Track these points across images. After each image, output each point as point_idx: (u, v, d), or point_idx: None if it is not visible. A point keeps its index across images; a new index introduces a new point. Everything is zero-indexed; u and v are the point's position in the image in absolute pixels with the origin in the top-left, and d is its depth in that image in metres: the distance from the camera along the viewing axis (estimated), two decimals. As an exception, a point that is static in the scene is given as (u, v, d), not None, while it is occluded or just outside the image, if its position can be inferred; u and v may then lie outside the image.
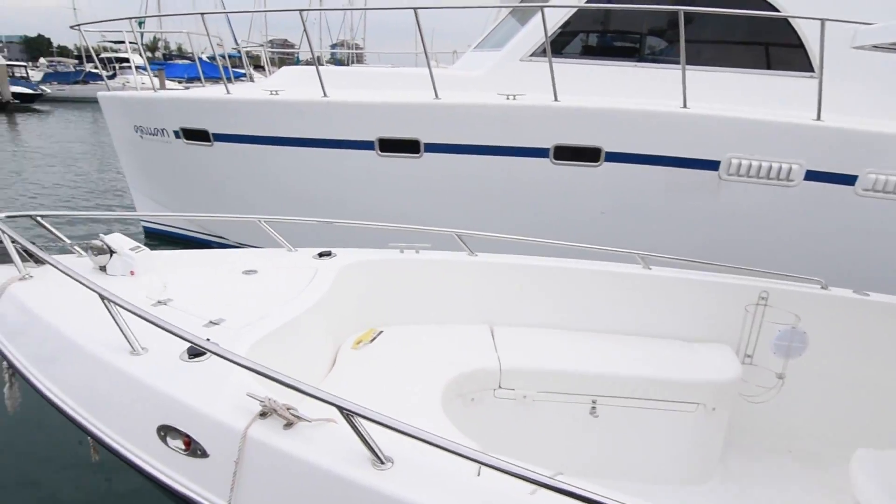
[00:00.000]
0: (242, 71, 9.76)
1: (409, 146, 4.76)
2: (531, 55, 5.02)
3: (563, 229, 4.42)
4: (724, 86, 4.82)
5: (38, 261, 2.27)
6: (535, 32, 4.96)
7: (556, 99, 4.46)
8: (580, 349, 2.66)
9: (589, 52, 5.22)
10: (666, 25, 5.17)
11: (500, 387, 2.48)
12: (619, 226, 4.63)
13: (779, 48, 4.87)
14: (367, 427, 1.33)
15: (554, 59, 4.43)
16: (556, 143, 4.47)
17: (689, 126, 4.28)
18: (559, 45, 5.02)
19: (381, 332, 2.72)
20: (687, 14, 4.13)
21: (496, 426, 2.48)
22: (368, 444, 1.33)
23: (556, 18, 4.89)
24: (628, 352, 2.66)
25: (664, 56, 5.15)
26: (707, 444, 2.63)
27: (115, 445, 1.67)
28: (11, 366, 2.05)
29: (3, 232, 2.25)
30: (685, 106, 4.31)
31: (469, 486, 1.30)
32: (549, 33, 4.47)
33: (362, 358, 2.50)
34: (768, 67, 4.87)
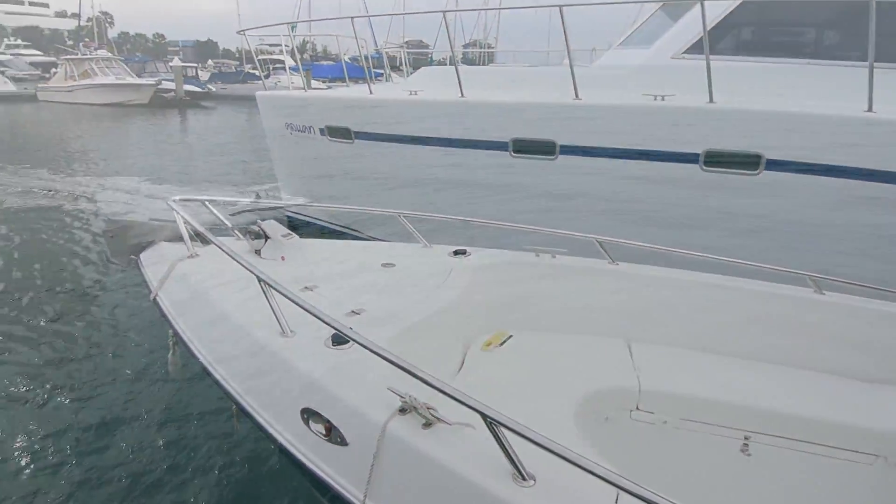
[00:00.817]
0: (380, 71, 10.21)
1: (544, 147, 4.63)
2: (684, 52, 4.65)
3: (712, 241, 4.04)
4: None
5: (205, 241, 2.49)
6: (690, 28, 4.59)
7: (711, 100, 4.08)
8: (732, 376, 2.38)
9: (748, 49, 4.72)
10: (844, 18, 4.53)
11: (637, 408, 2.30)
12: (779, 242, 4.13)
13: None
14: (508, 438, 1.26)
15: (711, 57, 4.05)
16: (709, 147, 4.10)
17: (875, 133, 3.70)
18: (713, 41, 4.60)
19: (511, 335, 2.65)
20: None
21: (631, 450, 2.29)
22: (511, 458, 1.26)
23: (717, 12, 4.48)
24: (791, 386, 2.33)
25: (841, 52, 4.51)
26: None
27: (260, 420, 1.76)
28: (176, 334, 2.26)
29: (178, 213, 2.50)
30: (870, 109, 3.74)
31: None
32: (709, 29, 4.10)
33: (492, 361, 2.44)
34: None
